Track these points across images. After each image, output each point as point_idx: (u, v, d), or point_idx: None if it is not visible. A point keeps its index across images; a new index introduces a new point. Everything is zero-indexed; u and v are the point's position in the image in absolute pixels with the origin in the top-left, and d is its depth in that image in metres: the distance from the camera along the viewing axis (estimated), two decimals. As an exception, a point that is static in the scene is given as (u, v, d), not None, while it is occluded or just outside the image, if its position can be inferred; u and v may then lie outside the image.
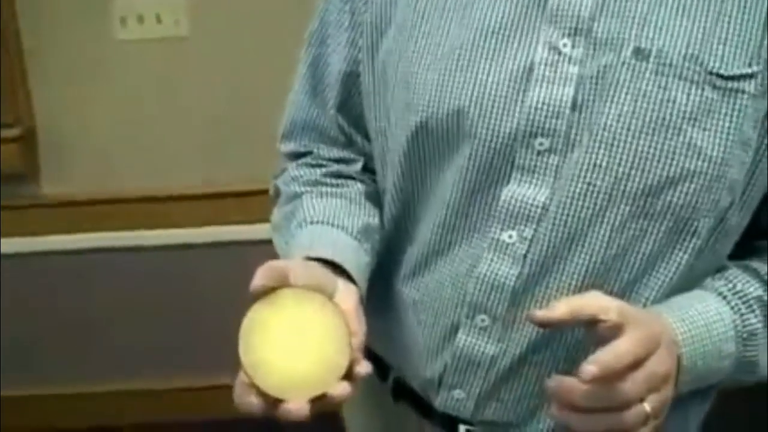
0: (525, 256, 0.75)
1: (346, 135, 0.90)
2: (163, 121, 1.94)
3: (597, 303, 0.69)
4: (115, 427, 2.13)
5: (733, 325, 0.76)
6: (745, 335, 0.76)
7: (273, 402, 0.66)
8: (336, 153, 0.90)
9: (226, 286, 2.03)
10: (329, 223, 0.83)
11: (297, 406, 0.65)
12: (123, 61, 1.88)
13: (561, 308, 0.68)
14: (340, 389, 0.67)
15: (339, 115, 0.88)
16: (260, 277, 0.68)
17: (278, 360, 0.67)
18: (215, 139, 1.96)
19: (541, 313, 0.69)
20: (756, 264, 0.80)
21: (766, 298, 0.77)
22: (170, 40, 1.87)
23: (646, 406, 0.67)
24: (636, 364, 0.66)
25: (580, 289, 0.75)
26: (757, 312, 0.77)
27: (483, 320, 0.79)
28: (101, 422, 2.12)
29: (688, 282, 0.78)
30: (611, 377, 0.65)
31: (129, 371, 2.14)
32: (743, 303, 0.77)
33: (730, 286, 0.78)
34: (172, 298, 2.09)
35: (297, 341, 0.69)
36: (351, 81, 0.86)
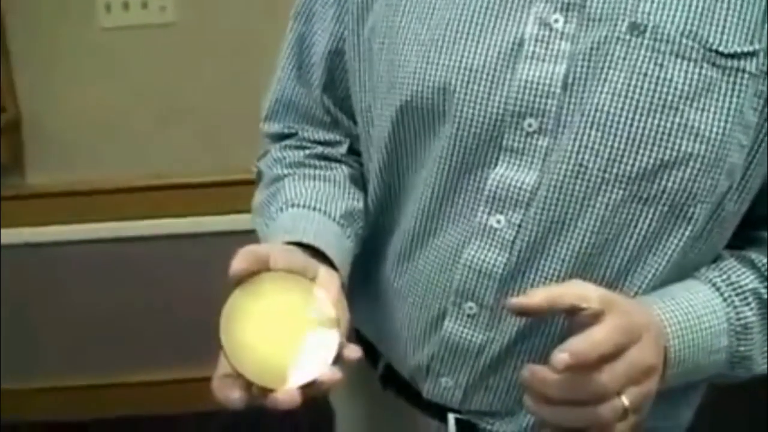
0: (513, 241, 0.72)
1: (331, 116, 0.87)
2: (150, 109, 1.92)
3: (577, 291, 0.65)
4: (114, 419, 2.12)
5: (726, 318, 0.72)
6: (738, 329, 0.73)
7: (260, 392, 0.63)
8: (321, 135, 0.88)
9: (216, 277, 2.02)
10: (311, 207, 0.80)
11: (287, 395, 0.62)
12: (108, 48, 1.86)
13: (538, 296, 0.64)
14: (330, 375, 0.64)
15: (324, 95, 0.86)
16: (240, 261, 0.65)
17: (263, 348, 0.64)
18: (203, 128, 1.94)
19: (516, 301, 0.65)
20: (753, 254, 0.76)
21: (762, 290, 0.74)
22: (156, 27, 1.84)
23: (624, 400, 0.63)
24: (614, 354, 0.62)
25: (570, 275, 0.72)
26: (753, 305, 0.74)
27: (470, 308, 0.76)
28: (98, 415, 2.11)
29: (681, 271, 0.74)
30: (586, 367, 0.61)
31: (121, 363, 2.13)
32: (737, 295, 0.74)
33: (725, 277, 0.74)
34: (161, 289, 2.07)
35: (281, 327, 0.65)
36: (336, 59, 0.83)
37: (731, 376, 0.76)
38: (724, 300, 0.73)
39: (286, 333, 0.65)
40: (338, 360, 0.65)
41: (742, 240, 0.78)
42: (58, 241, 1.99)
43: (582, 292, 0.65)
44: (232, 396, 0.63)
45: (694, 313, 0.70)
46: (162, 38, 1.85)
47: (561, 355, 0.60)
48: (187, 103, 1.91)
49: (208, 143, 1.94)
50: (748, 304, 0.73)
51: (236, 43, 1.85)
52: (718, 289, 0.73)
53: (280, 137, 0.89)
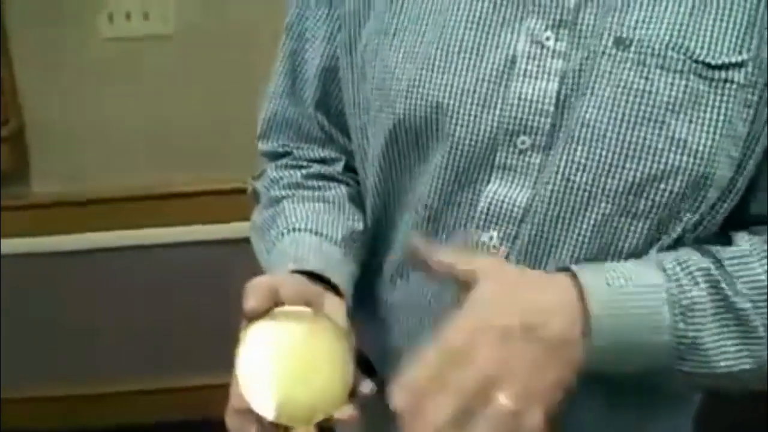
0: (506, 258, 0.72)
1: (326, 133, 0.86)
2: (154, 119, 1.93)
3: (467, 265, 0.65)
4: (115, 427, 2.13)
5: (666, 289, 0.65)
6: (683, 306, 0.65)
7: (276, 430, 0.64)
8: (316, 152, 0.87)
9: (222, 284, 2.02)
10: (312, 231, 0.80)
11: None
12: (111, 58, 1.87)
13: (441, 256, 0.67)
14: (347, 413, 0.65)
15: (318, 113, 0.85)
16: (251, 299, 0.66)
17: (279, 385, 0.65)
18: (204, 138, 1.94)
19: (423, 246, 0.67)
20: (712, 247, 0.70)
21: (713, 270, 0.66)
22: (158, 38, 1.86)
23: (501, 399, 0.58)
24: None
25: None
26: (702, 285, 0.66)
27: None
28: (100, 424, 2.12)
29: None
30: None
31: (124, 372, 2.14)
32: (684, 271, 0.66)
33: (674, 257, 0.68)
34: (165, 298, 2.08)
35: (297, 365, 0.66)
36: (330, 76, 0.83)
37: (687, 375, 0.67)
38: (667, 276, 0.66)
39: (302, 369, 0.66)
40: (353, 394, 0.66)
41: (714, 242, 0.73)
42: (61, 251, 2.00)
43: (470, 270, 0.64)
44: (251, 430, 0.64)
45: (626, 282, 0.64)
46: (164, 49, 1.87)
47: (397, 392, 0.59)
48: (189, 112, 1.92)
49: (212, 153, 1.95)
50: (696, 283, 0.66)
51: (238, 54, 1.86)
52: (660, 264, 0.67)
53: (276, 156, 0.88)
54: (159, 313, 2.08)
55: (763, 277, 0.67)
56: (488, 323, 0.61)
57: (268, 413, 0.63)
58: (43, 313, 2.07)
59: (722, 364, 0.66)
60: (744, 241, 0.70)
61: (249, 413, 0.63)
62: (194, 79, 1.90)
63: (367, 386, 0.67)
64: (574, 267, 0.66)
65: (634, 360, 0.65)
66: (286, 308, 0.67)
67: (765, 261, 0.68)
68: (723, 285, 0.66)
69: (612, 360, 0.64)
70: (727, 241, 0.71)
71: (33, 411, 2.11)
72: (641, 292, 0.64)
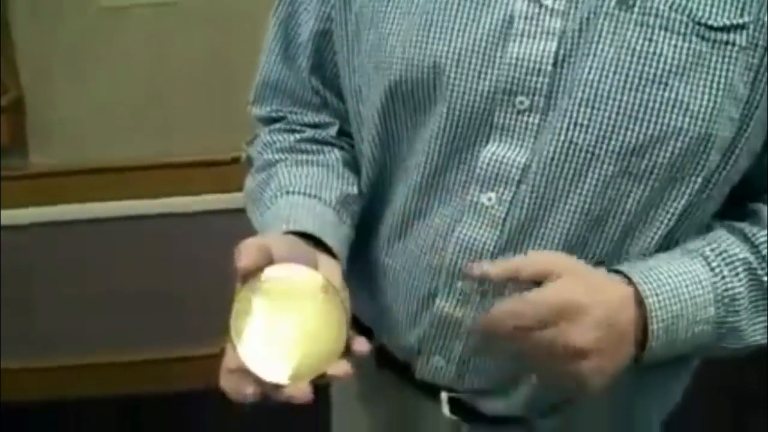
0: (504, 219, 0.72)
1: (320, 97, 0.86)
2: (152, 88, 1.93)
3: (537, 265, 0.68)
4: (113, 397, 2.14)
5: (712, 288, 0.71)
6: (726, 300, 0.71)
7: (272, 387, 0.63)
8: (310, 117, 0.87)
9: (215, 255, 2.03)
10: (306, 193, 0.79)
11: (299, 391, 0.63)
12: (108, 27, 1.86)
13: (498, 266, 0.69)
14: (341, 369, 0.65)
15: (312, 77, 0.85)
16: (245, 257, 0.65)
17: (273, 342, 0.65)
18: (206, 107, 1.94)
19: (476, 266, 0.70)
20: (745, 227, 0.75)
21: (752, 260, 0.72)
22: (159, 6, 1.85)
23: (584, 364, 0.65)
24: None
25: (562, 252, 0.71)
26: (742, 276, 0.72)
27: (462, 286, 0.76)
28: (97, 393, 2.13)
29: (671, 246, 0.74)
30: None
31: (123, 341, 2.15)
32: (726, 265, 0.72)
33: (714, 246, 0.73)
34: (161, 268, 2.08)
35: (291, 321, 0.66)
36: (324, 40, 0.83)
37: (720, 349, 0.75)
38: (712, 270, 0.71)
39: (296, 326, 0.66)
40: (347, 352, 0.66)
41: (737, 214, 0.77)
42: (60, 221, 2.00)
43: (542, 268, 0.67)
44: (245, 391, 0.64)
45: (677, 284, 0.69)
46: (165, 16, 1.86)
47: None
48: (189, 81, 1.92)
49: (212, 123, 1.94)
50: (737, 274, 0.72)
51: (238, 21, 1.84)
52: (706, 258, 0.72)
53: (269, 121, 0.88)
54: (157, 283, 2.09)
55: None
56: (581, 307, 0.66)
57: (260, 372, 0.63)
58: (42, 283, 2.08)
59: (755, 338, 0.74)
60: None
61: (244, 372, 0.63)
62: (195, 47, 1.89)
63: (361, 344, 0.67)
64: (629, 272, 0.69)
65: (678, 347, 0.71)
66: (277, 266, 0.66)
67: None
68: (759, 272, 0.72)
69: (664, 351, 0.70)
70: (744, 213, 0.75)
71: (33, 381, 2.12)
72: (694, 296, 0.70)
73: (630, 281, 0.69)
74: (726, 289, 0.71)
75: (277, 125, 0.88)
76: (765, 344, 0.75)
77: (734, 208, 0.76)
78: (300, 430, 1.51)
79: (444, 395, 0.85)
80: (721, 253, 0.72)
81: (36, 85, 1.91)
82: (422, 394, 0.87)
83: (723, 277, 0.71)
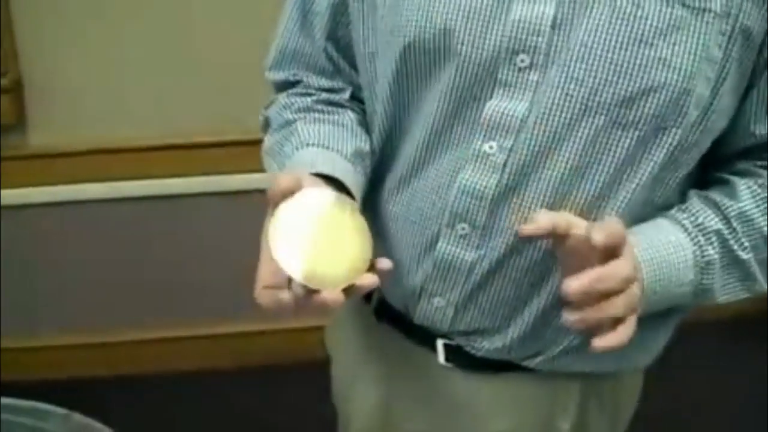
0: (504, 165, 0.80)
1: (334, 64, 0.93)
2: (152, 69, 1.95)
3: (569, 218, 0.76)
4: (113, 377, 2.16)
5: (692, 254, 0.82)
6: (702, 265, 0.82)
7: (307, 294, 0.71)
8: (325, 82, 0.94)
9: (218, 235, 2.07)
10: (325, 146, 0.87)
11: (332, 295, 0.71)
12: (109, 7, 1.88)
13: (543, 220, 0.76)
14: (369, 279, 0.74)
15: (328, 44, 0.92)
16: (282, 182, 0.73)
17: (310, 250, 0.71)
18: (208, 88, 1.96)
19: (528, 229, 0.76)
20: (717, 196, 0.85)
21: (724, 230, 0.83)
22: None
23: (635, 288, 0.74)
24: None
25: (555, 196, 0.80)
26: (715, 244, 0.83)
27: (463, 228, 0.83)
28: (96, 373, 2.15)
29: (653, 207, 0.83)
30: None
31: (120, 321, 2.18)
32: (703, 236, 0.83)
33: (692, 219, 0.83)
34: (156, 248, 2.11)
35: (325, 236, 0.73)
36: (340, 10, 0.90)
37: (694, 305, 0.86)
38: (691, 240, 0.82)
39: (329, 237, 0.73)
40: (372, 268, 0.75)
41: (706, 182, 0.87)
42: (59, 201, 2.02)
43: (573, 220, 0.76)
44: (282, 297, 0.71)
45: (665, 250, 0.80)
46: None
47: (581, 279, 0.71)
48: (189, 63, 1.94)
49: (213, 104, 1.96)
50: (711, 243, 0.83)
51: (242, 3, 1.86)
52: (686, 229, 0.83)
53: (286, 85, 0.95)
54: (154, 263, 2.12)
55: (764, 225, 0.84)
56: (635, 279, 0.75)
57: (297, 274, 0.70)
58: (41, 264, 2.09)
59: (725, 297, 0.86)
60: (746, 191, 0.84)
61: (277, 285, 0.70)
62: (194, 29, 1.91)
63: (385, 263, 0.75)
64: (634, 244, 0.77)
65: (662, 305, 0.83)
66: (312, 189, 0.74)
67: (765, 210, 0.83)
68: (731, 242, 0.83)
69: (650, 308, 0.80)
70: (720, 181, 0.87)
71: (32, 360, 2.14)
72: (678, 262, 0.81)
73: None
74: (703, 256, 0.82)
75: (294, 89, 0.95)
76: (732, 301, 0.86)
77: (701, 177, 0.87)
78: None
79: (440, 342, 0.92)
80: (698, 225, 0.83)
81: (36, 65, 1.92)
82: (419, 345, 0.94)
83: (700, 246, 0.82)
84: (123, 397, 2.07)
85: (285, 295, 0.71)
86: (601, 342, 0.72)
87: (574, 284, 0.70)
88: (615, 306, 0.72)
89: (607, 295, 0.71)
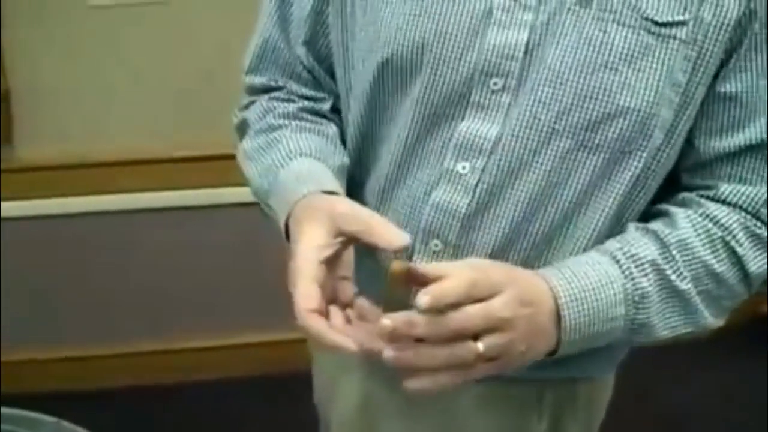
0: (476, 185, 0.82)
1: (312, 74, 0.94)
2: (140, 83, 1.97)
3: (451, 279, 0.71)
4: (113, 389, 2.15)
5: (622, 288, 0.78)
6: (636, 298, 0.79)
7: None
8: (306, 91, 0.95)
9: (207, 249, 2.07)
10: (317, 158, 0.88)
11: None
12: (96, 24, 1.90)
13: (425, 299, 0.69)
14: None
15: (307, 53, 0.93)
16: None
17: None
18: (193, 104, 1.98)
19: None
20: (656, 225, 0.83)
21: (660, 261, 0.80)
22: (148, 6, 1.89)
23: (480, 345, 0.70)
24: (468, 301, 0.70)
25: (523, 216, 0.82)
26: (650, 275, 0.79)
27: (436, 245, 0.85)
28: (93, 386, 2.14)
29: (622, 227, 0.84)
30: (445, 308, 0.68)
31: (116, 335, 2.18)
32: (636, 266, 0.79)
33: (625, 249, 0.80)
34: (148, 262, 2.12)
35: None
36: (319, 20, 0.91)
37: (634, 342, 0.84)
38: (623, 272, 0.79)
39: None
40: None
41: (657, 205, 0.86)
42: (47, 215, 2.02)
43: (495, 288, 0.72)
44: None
45: (590, 285, 0.77)
46: (153, 14, 1.90)
47: (424, 297, 0.67)
48: (176, 77, 1.96)
49: (202, 118, 1.96)
50: (645, 274, 0.79)
51: (227, 19, 1.86)
52: (617, 261, 0.79)
53: (267, 89, 0.96)
54: (150, 276, 2.12)
55: (704, 255, 0.81)
56: (492, 285, 0.72)
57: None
58: (35, 276, 2.09)
59: (666, 332, 0.82)
60: (684, 220, 0.82)
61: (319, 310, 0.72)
62: (182, 44, 1.93)
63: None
64: (546, 275, 0.77)
65: (595, 343, 0.79)
66: None
67: (706, 240, 0.81)
68: (668, 272, 0.80)
69: (578, 346, 0.78)
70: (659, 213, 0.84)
71: (32, 373, 2.12)
72: (605, 296, 0.77)
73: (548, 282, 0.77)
74: (636, 289, 0.79)
75: (276, 93, 0.95)
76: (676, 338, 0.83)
77: (650, 210, 0.86)
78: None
79: None
80: (631, 256, 0.80)
81: (23, 78, 1.92)
82: None
83: (633, 279, 0.79)
84: (126, 409, 2.07)
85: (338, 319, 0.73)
86: (410, 384, 0.70)
87: (384, 321, 0.68)
88: (431, 356, 0.69)
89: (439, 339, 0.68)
